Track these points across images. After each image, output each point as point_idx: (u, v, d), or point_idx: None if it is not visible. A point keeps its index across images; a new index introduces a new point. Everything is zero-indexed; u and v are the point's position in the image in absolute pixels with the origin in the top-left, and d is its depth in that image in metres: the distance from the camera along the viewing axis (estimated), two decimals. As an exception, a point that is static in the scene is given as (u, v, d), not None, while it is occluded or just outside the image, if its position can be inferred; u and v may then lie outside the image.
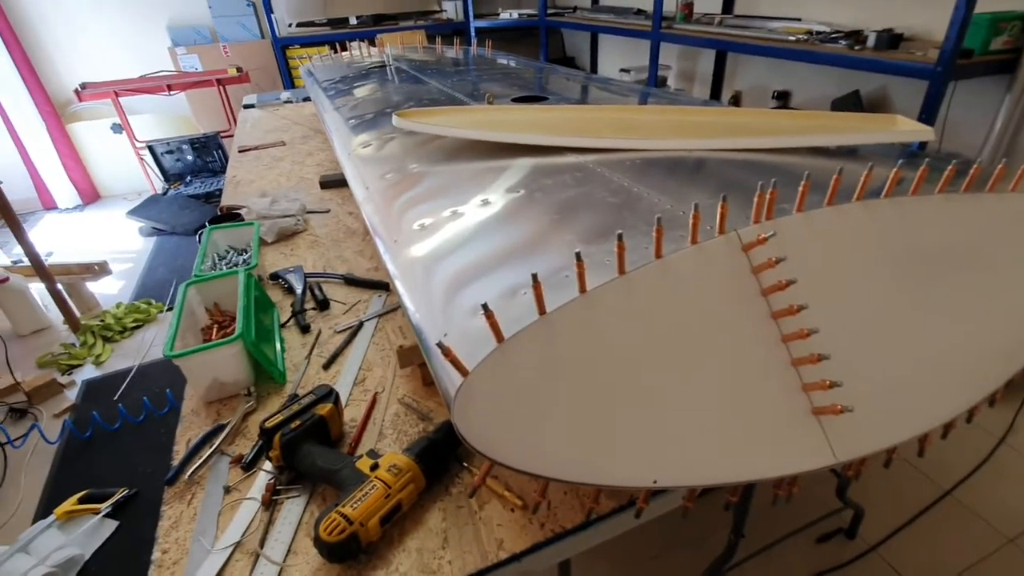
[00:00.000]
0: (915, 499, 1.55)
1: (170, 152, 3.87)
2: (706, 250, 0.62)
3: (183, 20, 4.19)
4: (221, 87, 3.80)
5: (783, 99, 2.79)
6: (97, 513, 1.68)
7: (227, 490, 0.75)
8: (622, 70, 3.55)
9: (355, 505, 0.63)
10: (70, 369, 2.40)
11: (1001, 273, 0.73)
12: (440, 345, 0.51)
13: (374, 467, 0.69)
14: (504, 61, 2.29)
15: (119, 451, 2.01)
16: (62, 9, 3.93)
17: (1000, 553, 1.41)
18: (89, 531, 1.66)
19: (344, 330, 1.05)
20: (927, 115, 1.75)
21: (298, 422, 0.74)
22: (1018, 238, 0.76)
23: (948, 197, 0.72)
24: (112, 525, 1.69)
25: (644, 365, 0.57)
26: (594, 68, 4.53)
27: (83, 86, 3.82)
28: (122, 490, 1.75)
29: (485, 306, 0.52)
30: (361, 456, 0.72)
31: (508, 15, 4.31)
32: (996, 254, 0.74)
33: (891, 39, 1.96)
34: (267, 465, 0.77)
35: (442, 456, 0.73)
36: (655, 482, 0.55)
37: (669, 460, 0.56)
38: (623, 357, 0.56)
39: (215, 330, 1.03)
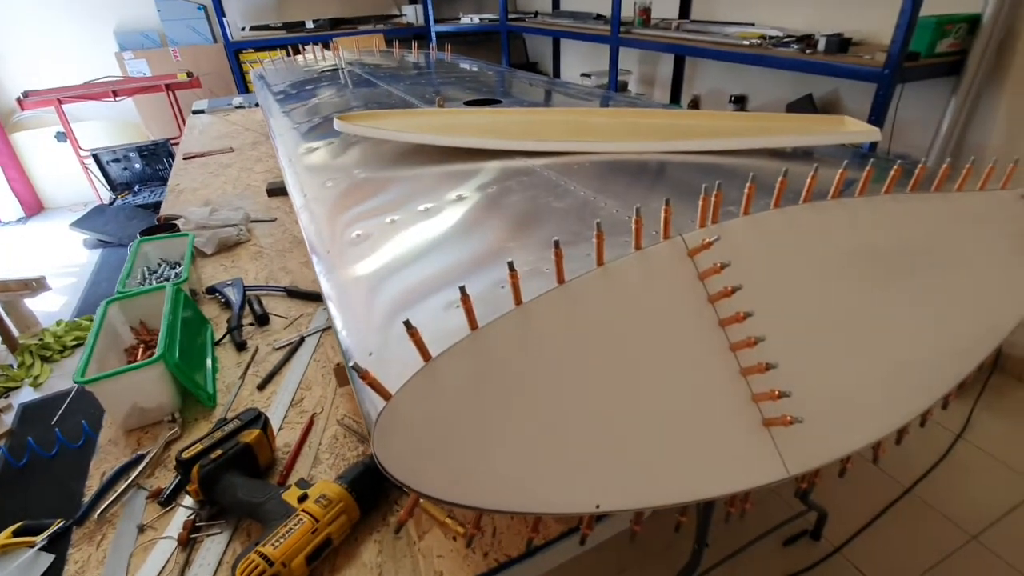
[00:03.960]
0: (877, 497, 1.56)
1: (116, 160, 3.70)
2: (650, 256, 0.58)
3: (131, 25, 4.03)
4: (170, 92, 3.66)
5: (740, 103, 2.82)
6: (33, 546, 1.56)
7: (141, 529, 0.69)
8: (583, 75, 3.55)
9: (277, 543, 0.58)
10: (7, 392, 2.25)
11: (949, 273, 0.72)
12: (356, 367, 0.46)
13: (303, 498, 0.64)
14: (465, 66, 2.25)
15: (57, 479, 1.87)
16: (3, 15, 3.73)
17: (965, 550, 1.42)
18: (24, 566, 1.53)
19: (283, 347, 0.98)
20: (876, 117, 1.78)
21: (220, 451, 0.68)
22: (964, 237, 0.75)
23: (894, 197, 0.71)
24: (48, 559, 1.57)
25: (584, 381, 0.53)
26: (557, 73, 4.53)
27: (25, 94, 3.63)
28: (58, 521, 1.63)
29: (407, 323, 0.47)
30: (290, 486, 0.66)
31: (469, 20, 4.27)
32: (943, 253, 0.73)
33: (840, 43, 1.99)
34: (188, 500, 0.70)
35: (379, 482, 0.68)
36: (598, 507, 0.51)
37: (613, 482, 0.52)
38: (562, 373, 0.52)
39: (141, 350, 0.95)
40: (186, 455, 0.67)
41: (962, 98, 1.83)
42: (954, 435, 1.75)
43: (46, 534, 1.75)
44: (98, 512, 0.71)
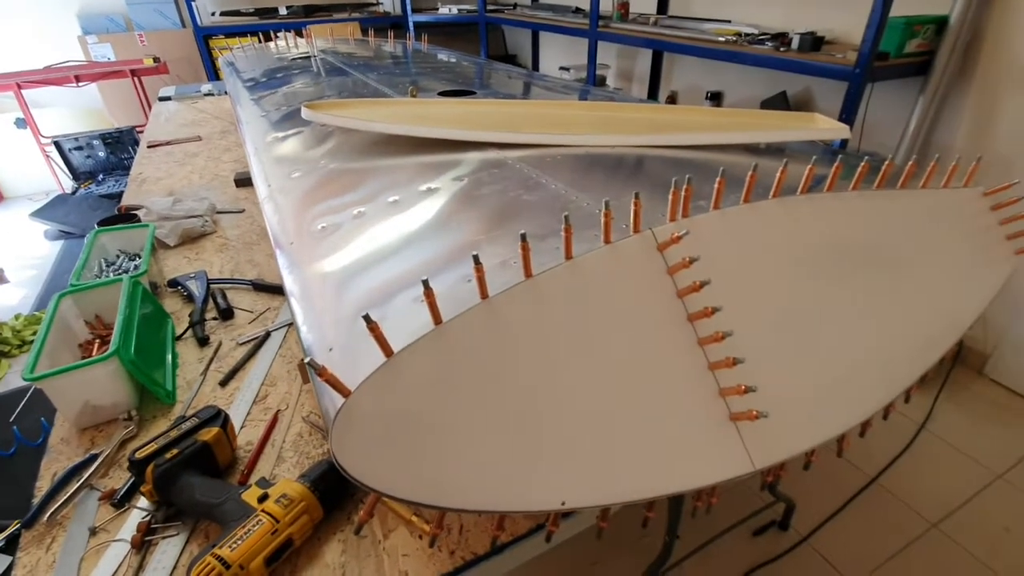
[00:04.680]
0: (843, 488, 1.60)
1: (79, 148, 3.56)
2: (619, 250, 0.58)
3: (94, 7, 3.88)
4: (136, 79, 3.53)
5: (716, 100, 2.84)
6: (-13, 549, 1.50)
7: (93, 531, 0.66)
8: (562, 68, 3.54)
9: (235, 545, 0.56)
10: (-40, 389, 2.15)
11: (913, 269, 0.73)
12: (313, 364, 0.45)
13: (263, 498, 0.62)
14: (443, 57, 2.22)
15: (15, 478, 1.80)
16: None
17: (926, 538, 1.47)
18: (-22, 569, 1.48)
19: (248, 341, 0.95)
20: (847, 115, 1.81)
21: (176, 450, 0.65)
22: (928, 233, 0.77)
23: (861, 194, 0.71)
24: (6, 560, 1.51)
25: (551, 376, 0.52)
26: (536, 66, 4.51)
27: (-18, 78, 3.47)
28: (15, 522, 1.57)
29: (367, 317, 0.46)
30: (250, 486, 0.64)
31: (447, 10, 4.22)
32: (908, 250, 0.74)
33: (813, 41, 2.02)
34: (143, 501, 0.67)
35: (343, 481, 0.66)
36: (563, 504, 0.50)
37: (579, 478, 0.51)
38: (529, 368, 0.51)
39: (97, 345, 0.92)
40: (140, 455, 0.65)
41: (929, 98, 1.87)
42: (917, 426, 1.80)
43: (2, 536, 1.69)
44: (48, 514, 0.68)
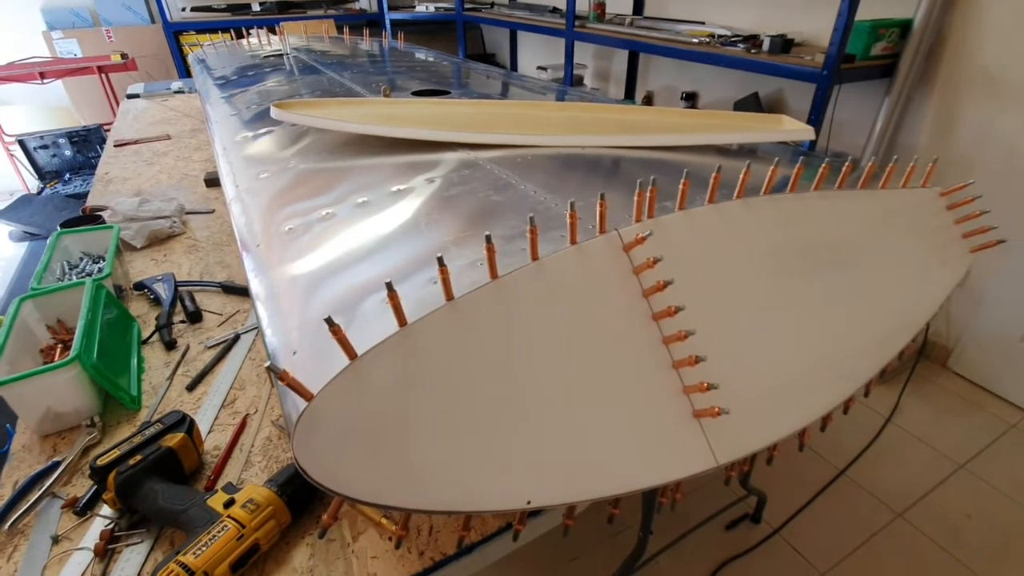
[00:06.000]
0: (812, 480, 1.63)
1: (44, 147, 3.46)
2: (585, 250, 0.58)
3: (59, 1, 3.77)
4: (103, 75, 3.44)
5: (691, 100, 2.88)
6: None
7: (56, 540, 0.64)
8: (539, 68, 3.54)
9: (199, 551, 0.55)
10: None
11: (871, 266, 0.75)
12: (273, 368, 0.44)
13: (229, 504, 0.61)
14: (420, 55, 2.20)
15: (-23, 488, 1.76)
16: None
17: (891, 527, 1.51)
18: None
19: (216, 345, 0.94)
20: (815, 116, 1.85)
21: (139, 457, 0.64)
22: (887, 232, 0.79)
23: (822, 194, 0.73)
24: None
25: (518, 377, 0.52)
26: (514, 65, 4.51)
27: (-60, 74, 3.34)
28: (-22, 533, 1.53)
29: (329, 320, 0.45)
30: (216, 492, 0.63)
31: (424, 8, 4.20)
32: (866, 248, 0.76)
33: (784, 44, 2.05)
34: (106, 509, 0.66)
35: (311, 485, 0.66)
36: (529, 503, 0.51)
37: (544, 477, 0.52)
38: (494, 370, 0.52)
39: (59, 350, 0.89)
40: (102, 461, 0.64)
41: (894, 99, 1.91)
42: (884, 419, 1.85)
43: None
44: (9, 523, 0.66)
